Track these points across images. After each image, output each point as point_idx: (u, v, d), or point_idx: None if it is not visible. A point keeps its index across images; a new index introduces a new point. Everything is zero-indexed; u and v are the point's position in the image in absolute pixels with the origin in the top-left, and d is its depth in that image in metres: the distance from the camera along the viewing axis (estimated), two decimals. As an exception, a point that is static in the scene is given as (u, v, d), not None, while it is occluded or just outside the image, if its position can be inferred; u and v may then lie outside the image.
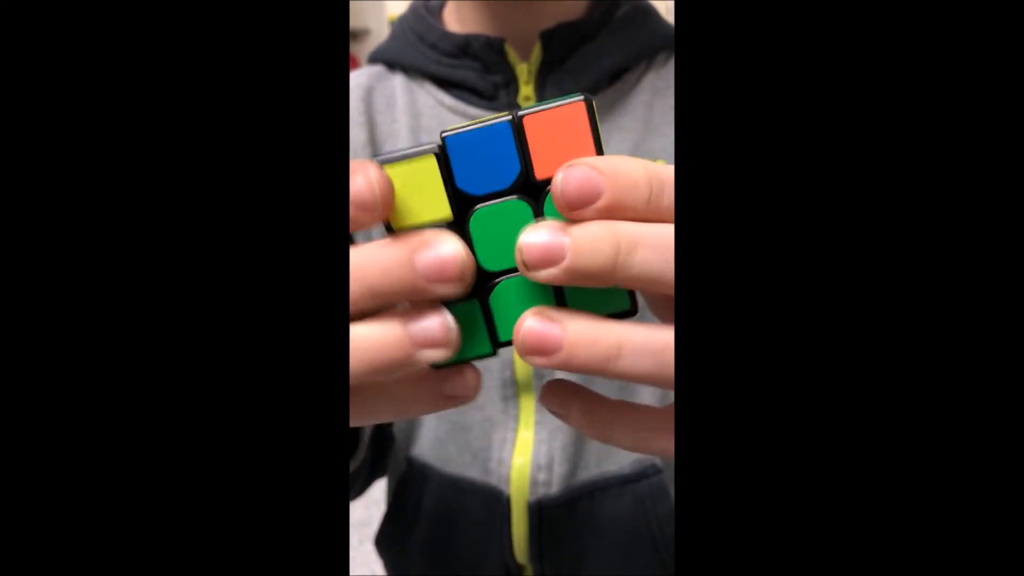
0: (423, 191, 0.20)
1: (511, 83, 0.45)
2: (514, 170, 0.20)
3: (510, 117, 0.19)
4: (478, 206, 0.20)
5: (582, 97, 0.19)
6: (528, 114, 0.19)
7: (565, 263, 0.18)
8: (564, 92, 0.44)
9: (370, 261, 0.19)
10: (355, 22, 3.29)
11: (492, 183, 0.20)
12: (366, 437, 0.39)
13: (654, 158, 0.44)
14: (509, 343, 0.21)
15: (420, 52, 0.47)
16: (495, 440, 0.46)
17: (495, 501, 0.45)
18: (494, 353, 0.21)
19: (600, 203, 0.18)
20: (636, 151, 0.44)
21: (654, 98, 0.46)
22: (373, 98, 0.48)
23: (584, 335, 0.18)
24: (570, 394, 0.22)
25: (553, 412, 0.22)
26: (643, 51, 0.46)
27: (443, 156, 0.20)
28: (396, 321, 0.19)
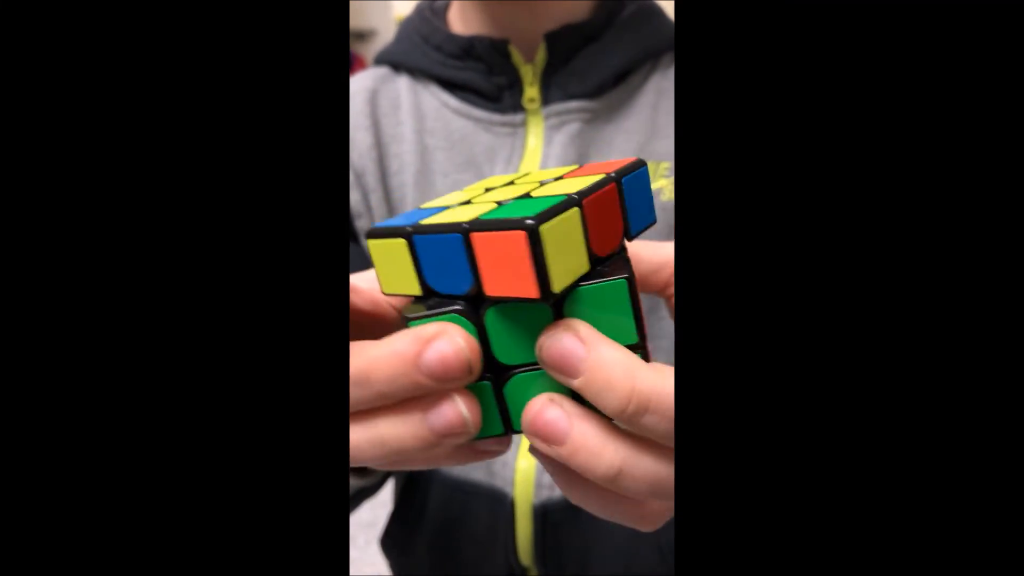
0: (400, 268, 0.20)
1: (515, 84, 0.44)
2: (466, 283, 0.19)
3: (464, 228, 0.18)
4: (492, 305, 0.19)
5: (528, 224, 0.17)
6: (474, 231, 0.18)
7: (563, 452, 0.18)
8: (569, 94, 0.44)
9: (375, 366, 0.18)
10: (362, 23, 3.29)
11: (453, 286, 0.19)
12: None
13: (659, 160, 0.44)
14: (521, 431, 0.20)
15: (425, 54, 0.47)
16: (500, 442, 0.46)
17: (500, 503, 0.45)
18: (506, 434, 0.21)
19: (575, 382, 0.18)
20: (641, 152, 0.44)
21: (659, 99, 0.45)
22: (378, 100, 0.48)
23: (587, 443, 0.18)
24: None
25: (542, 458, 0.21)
26: (648, 52, 0.46)
27: (412, 249, 0.20)
28: (416, 414, 0.18)
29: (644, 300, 0.22)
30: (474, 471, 0.46)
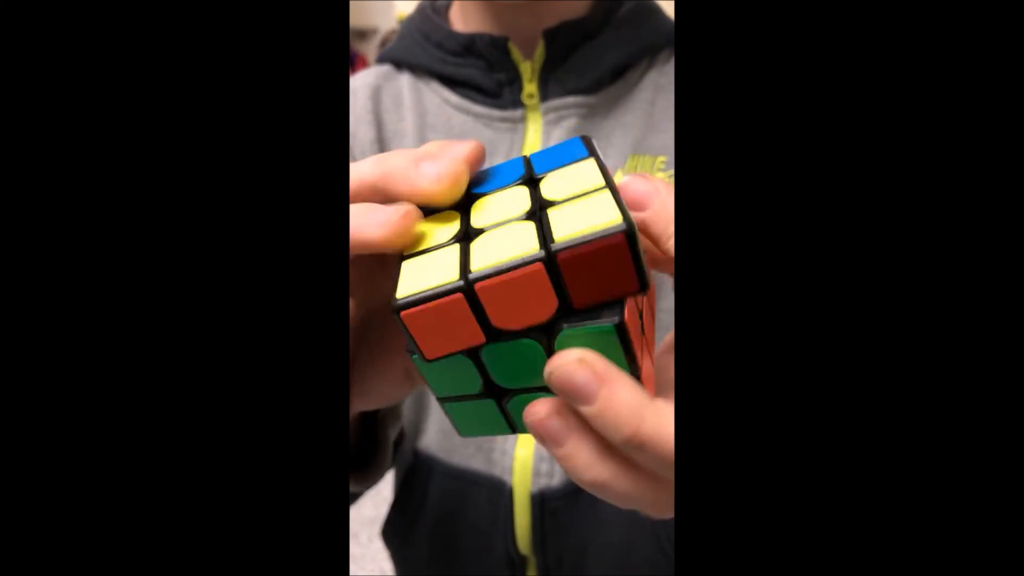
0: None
1: (515, 81, 0.45)
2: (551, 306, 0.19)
3: (542, 256, 0.18)
4: (487, 343, 0.19)
5: (623, 228, 0.17)
6: (563, 251, 0.18)
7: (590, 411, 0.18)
8: (567, 90, 0.44)
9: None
10: (364, 21, 3.29)
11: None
12: (391, 443, 0.39)
13: (655, 154, 0.44)
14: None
15: (426, 51, 0.48)
16: (498, 432, 0.46)
17: (498, 492, 0.46)
18: (512, 432, 0.22)
19: (583, 409, 0.18)
20: (638, 147, 0.44)
21: (656, 95, 0.46)
22: (381, 97, 0.49)
23: (580, 455, 0.19)
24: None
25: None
26: (645, 48, 0.46)
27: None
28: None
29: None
30: (473, 460, 0.47)
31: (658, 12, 0.49)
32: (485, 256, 0.18)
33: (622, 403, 0.18)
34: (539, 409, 0.19)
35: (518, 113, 0.45)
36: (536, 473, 0.45)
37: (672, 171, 0.43)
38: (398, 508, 0.51)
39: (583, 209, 0.18)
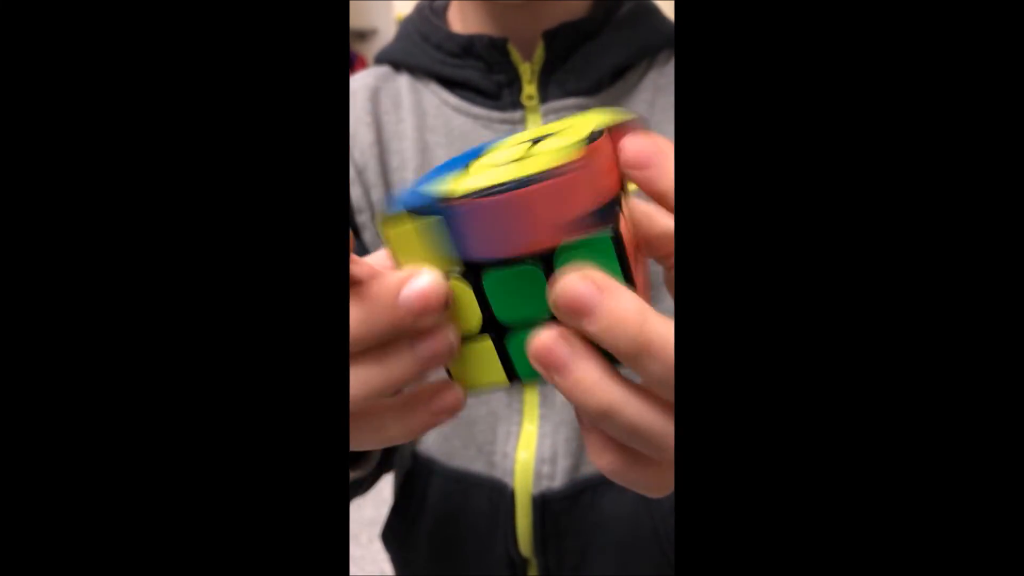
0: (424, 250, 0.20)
1: (514, 82, 0.45)
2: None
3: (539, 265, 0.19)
4: (488, 270, 0.20)
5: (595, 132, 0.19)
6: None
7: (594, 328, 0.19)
8: (567, 91, 0.44)
9: (353, 318, 0.20)
10: (363, 22, 3.29)
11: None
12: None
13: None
14: (526, 379, 0.22)
15: (425, 52, 0.48)
16: (499, 434, 0.46)
17: (499, 494, 0.46)
18: (509, 384, 0.22)
19: (588, 326, 0.18)
20: None
21: (656, 96, 0.46)
22: (379, 98, 0.49)
23: (585, 378, 0.19)
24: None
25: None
26: (645, 49, 0.46)
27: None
28: (402, 344, 0.21)
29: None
30: (474, 463, 0.47)
31: (657, 13, 0.49)
32: (471, 182, 0.19)
33: (624, 308, 0.18)
34: (545, 335, 0.19)
35: (517, 115, 0.45)
36: (537, 475, 0.45)
37: None
38: (398, 511, 0.51)
39: (561, 138, 0.20)
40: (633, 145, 0.20)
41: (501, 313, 0.21)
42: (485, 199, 0.19)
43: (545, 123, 0.45)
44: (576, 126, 0.21)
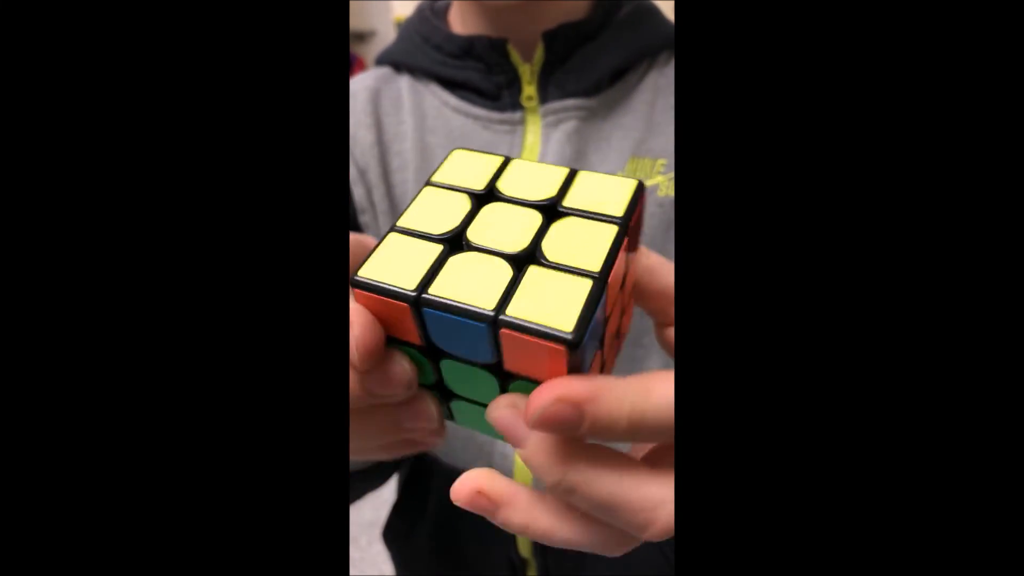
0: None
1: (514, 83, 0.45)
2: (486, 356, 0.19)
3: (492, 318, 0.18)
4: (446, 360, 0.20)
5: (568, 340, 0.17)
6: (507, 327, 0.18)
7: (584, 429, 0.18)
8: (566, 92, 0.44)
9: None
10: (362, 24, 3.30)
11: (464, 351, 0.19)
12: None
13: (655, 157, 0.44)
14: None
15: (425, 54, 0.48)
16: (499, 434, 0.46)
17: None
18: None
19: (580, 431, 0.18)
20: (638, 150, 0.44)
21: (656, 97, 0.46)
22: (380, 100, 0.49)
23: (538, 451, 0.19)
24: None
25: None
26: (645, 50, 0.46)
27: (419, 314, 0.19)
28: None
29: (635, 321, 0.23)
30: (474, 463, 0.47)
31: (657, 14, 0.49)
32: (452, 279, 0.19)
33: (536, 451, 0.18)
34: (500, 405, 0.19)
35: (517, 115, 0.45)
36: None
37: (672, 174, 0.44)
38: (399, 511, 0.51)
39: (556, 288, 0.18)
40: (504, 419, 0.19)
41: (453, 386, 0.21)
42: (446, 311, 0.18)
43: (545, 124, 0.45)
44: (590, 228, 0.20)
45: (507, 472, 0.46)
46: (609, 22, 0.46)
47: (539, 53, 0.44)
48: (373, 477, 0.48)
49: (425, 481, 0.49)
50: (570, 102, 0.45)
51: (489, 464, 0.46)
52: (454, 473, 0.47)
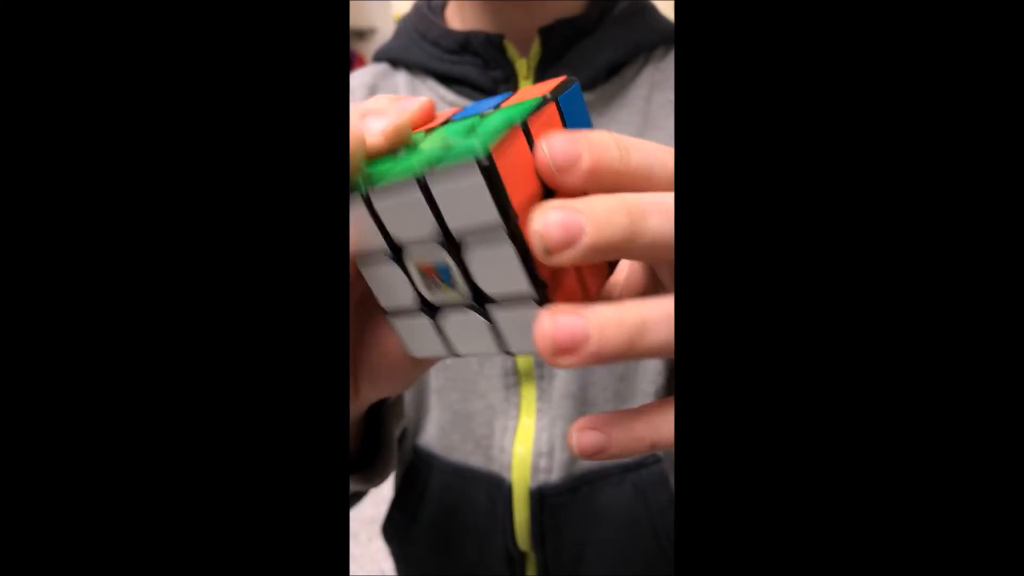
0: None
1: (511, 78, 0.45)
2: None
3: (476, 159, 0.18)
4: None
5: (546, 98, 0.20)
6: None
7: (586, 240, 0.17)
8: None
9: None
10: (361, 21, 3.29)
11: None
12: (395, 442, 0.39)
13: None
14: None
15: (422, 49, 0.48)
16: (497, 428, 0.46)
17: (497, 488, 0.46)
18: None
19: (583, 164, 0.18)
20: None
21: (652, 92, 0.46)
22: (378, 95, 0.49)
23: (608, 319, 0.18)
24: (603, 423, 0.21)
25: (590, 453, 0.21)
26: (641, 45, 0.46)
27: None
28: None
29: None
30: (472, 457, 0.47)
31: (653, 10, 0.49)
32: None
33: (605, 203, 0.18)
34: (541, 317, 0.18)
35: None
36: (535, 469, 0.45)
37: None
38: (398, 505, 0.51)
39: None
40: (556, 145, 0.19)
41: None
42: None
43: None
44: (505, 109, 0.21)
45: (505, 466, 0.46)
46: (605, 18, 0.46)
47: (535, 48, 0.45)
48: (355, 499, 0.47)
49: (423, 476, 0.49)
50: (567, 97, 0.45)
51: (487, 458, 0.47)
52: (452, 468, 0.47)
